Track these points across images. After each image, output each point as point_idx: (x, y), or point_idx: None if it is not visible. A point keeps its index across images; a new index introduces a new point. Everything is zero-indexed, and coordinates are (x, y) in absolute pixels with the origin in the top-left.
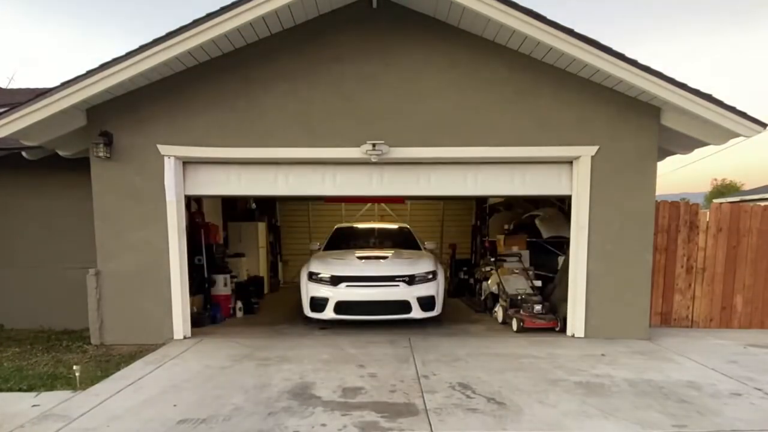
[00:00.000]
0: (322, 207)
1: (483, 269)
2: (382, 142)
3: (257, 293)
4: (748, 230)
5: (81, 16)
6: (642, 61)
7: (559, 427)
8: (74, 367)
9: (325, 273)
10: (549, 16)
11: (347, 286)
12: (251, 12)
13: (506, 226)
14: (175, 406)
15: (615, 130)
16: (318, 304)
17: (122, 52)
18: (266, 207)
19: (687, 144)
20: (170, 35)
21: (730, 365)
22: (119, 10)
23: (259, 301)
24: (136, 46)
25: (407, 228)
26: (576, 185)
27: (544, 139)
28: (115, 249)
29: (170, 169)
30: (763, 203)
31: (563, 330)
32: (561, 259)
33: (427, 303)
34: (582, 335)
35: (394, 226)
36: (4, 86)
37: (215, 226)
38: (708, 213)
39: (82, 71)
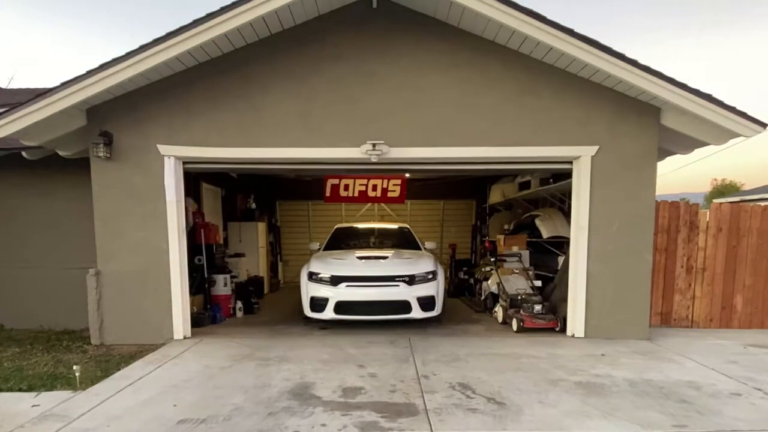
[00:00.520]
0: (322, 207)
1: (483, 269)
2: (382, 142)
3: (257, 293)
4: (748, 230)
5: (81, 16)
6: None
7: (559, 427)
8: (74, 367)
9: (325, 273)
10: (549, 17)
11: (347, 286)
12: (251, 12)
13: (506, 226)
14: (175, 406)
15: (615, 130)
16: (318, 304)
17: (122, 53)
18: (266, 207)
19: (687, 144)
20: (170, 35)
21: (730, 365)
22: (119, 10)
23: (259, 301)
24: (136, 46)
25: (407, 228)
26: (576, 185)
27: (545, 139)
28: (115, 249)
29: (170, 169)
30: (763, 203)
31: (563, 330)
32: (561, 259)
33: (427, 303)
34: (582, 335)
35: (394, 226)
36: (4, 86)
37: (215, 226)
38: (708, 213)
39: (82, 71)
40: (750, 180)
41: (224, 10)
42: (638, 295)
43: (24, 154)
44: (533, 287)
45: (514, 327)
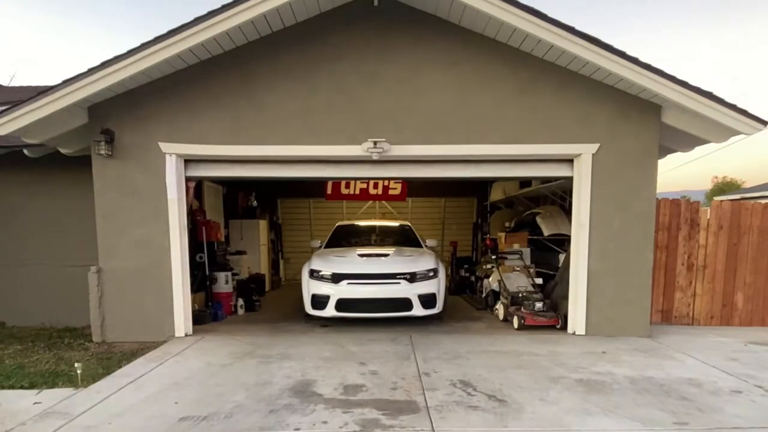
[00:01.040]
0: (324, 204)
1: (484, 267)
2: (383, 139)
3: (258, 291)
4: (749, 228)
5: (82, 16)
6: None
7: (561, 424)
8: (76, 365)
9: (327, 270)
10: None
11: (348, 283)
12: (253, 10)
13: (507, 224)
14: (176, 403)
15: (616, 128)
16: (319, 301)
17: (123, 50)
18: (267, 204)
19: (688, 142)
20: (172, 33)
21: (730, 363)
22: (120, 10)
23: (261, 299)
24: (137, 44)
25: (408, 225)
26: (577, 183)
27: (545, 137)
28: (117, 247)
29: (171, 166)
30: (763, 201)
31: (564, 327)
32: (562, 257)
33: (428, 300)
34: (583, 333)
35: (395, 223)
36: (5, 84)
37: (216, 223)
38: (709, 211)
39: (84, 69)
40: (751, 178)
41: (226, 7)
42: (639, 292)
43: (26, 151)
44: (534, 285)
45: (515, 324)
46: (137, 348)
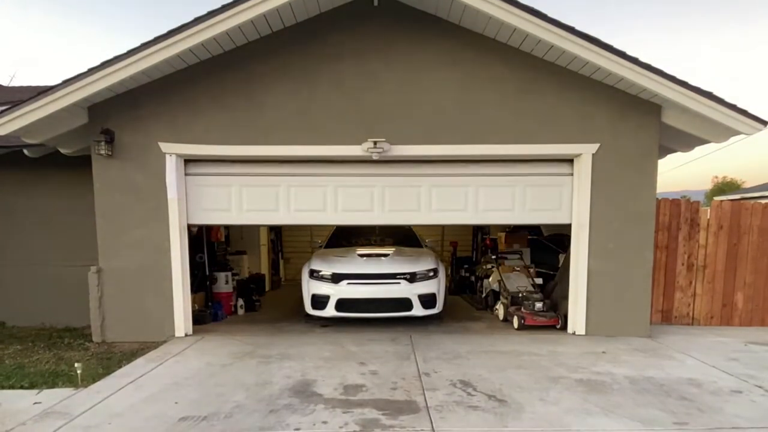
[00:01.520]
0: None
1: (484, 267)
2: (384, 139)
3: (259, 291)
4: (749, 228)
5: (82, 16)
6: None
7: (561, 424)
8: (76, 365)
9: (327, 270)
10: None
11: (348, 283)
12: (253, 10)
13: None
14: (176, 403)
15: (616, 128)
16: (319, 301)
17: (124, 50)
18: None
19: (688, 142)
20: (172, 33)
21: (730, 363)
22: (121, 9)
23: (261, 299)
24: (137, 44)
25: (408, 225)
26: (577, 183)
27: (545, 137)
28: (117, 247)
29: (172, 166)
30: (763, 201)
31: (564, 327)
32: (562, 257)
33: (428, 300)
34: (583, 333)
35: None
36: (5, 84)
37: None
38: (709, 211)
39: (84, 69)
40: (751, 178)
41: (226, 7)
42: (639, 292)
43: (26, 151)
44: (534, 285)
45: (515, 324)
46: (137, 348)
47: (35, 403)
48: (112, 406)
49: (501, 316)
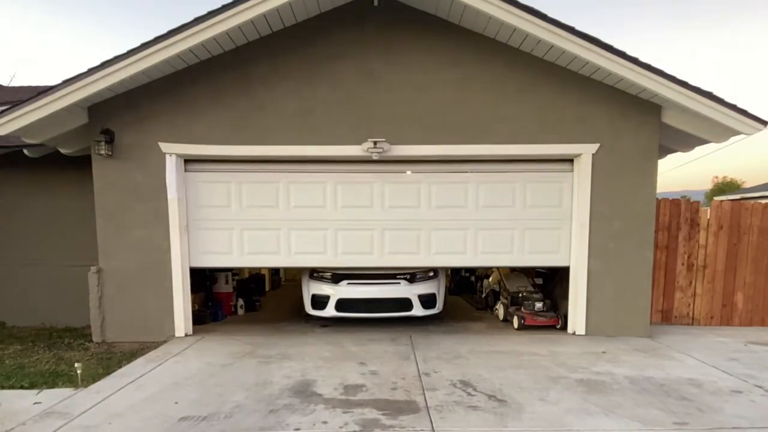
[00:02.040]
0: None
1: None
2: (383, 139)
3: (259, 291)
4: (749, 228)
5: (82, 16)
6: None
7: (561, 424)
8: (76, 365)
9: (327, 271)
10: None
11: (348, 283)
12: (253, 10)
13: None
14: (176, 403)
15: (616, 128)
16: (319, 301)
17: (124, 50)
18: None
19: (688, 142)
20: (172, 33)
21: (730, 363)
22: (120, 10)
23: (261, 299)
24: (137, 44)
25: None
26: (577, 183)
27: (545, 137)
28: (117, 247)
29: (172, 166)
30: (763, 201)
31: (564, 327)
32: None
33: (428, 300)
34: (583, 333)
35: None
36: (5, 84)
37: None
38: (709, 211)
39: (84, 69)
40: (751, 178)
41: (226, 7)
42: (639, 292)
43: (26, 151)
44: (534, 285)
45: (515, 324)
46: (137, 348)
47: (35, 403)
48: (112, 406)
49: (501, 316)
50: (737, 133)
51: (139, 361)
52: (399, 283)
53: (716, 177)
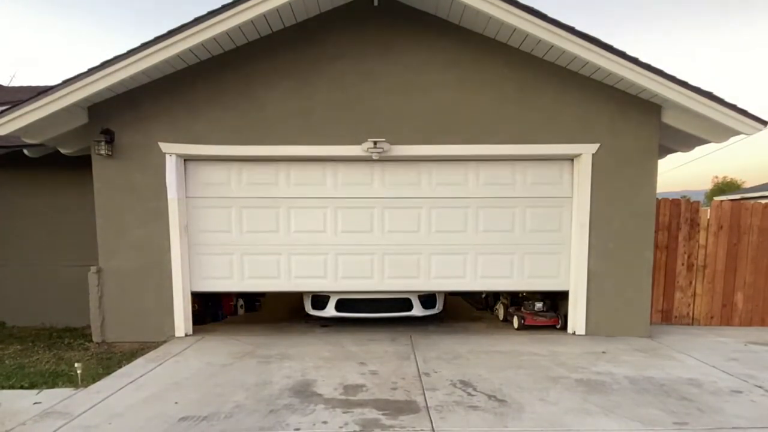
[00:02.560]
0: None
1: None
2: (383, 139)
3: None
4: (749, 228)
5: (82, 16)
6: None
7: (561, 424)
8: (76, 365)
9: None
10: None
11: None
12: (253, 10)
13: None
14: (176, 403)
15: (616, 128)
16: (319, 301)
17: (124, 50)
18: None
19: (688, 142)
20: (172, 33)
21: (730, 363)
22: (120, 10)
23: (261, 299)
24: (137, 44)
25: None
26: (577, 183)
27: (545, 137)
28: (117, 247)
29: (172, 166)
30: (763, 201)
31: (564, 328)
32: None
33: (428, 300)
34: (583, 333)
35: None
36: (5, 84)
37: None
38: (709, 211)
39: (84, 69)
40: (751, 178)
41: (226, 7)
42: (639, 292)
43: (26, 151)
44: None
45: (515, 325)
46: (137, 348)
47: (35, 403)
48: (112, 406)
49: (501, 316)
50: (737, 133)
51: (139, 361)
52: None
53: (716, 177)
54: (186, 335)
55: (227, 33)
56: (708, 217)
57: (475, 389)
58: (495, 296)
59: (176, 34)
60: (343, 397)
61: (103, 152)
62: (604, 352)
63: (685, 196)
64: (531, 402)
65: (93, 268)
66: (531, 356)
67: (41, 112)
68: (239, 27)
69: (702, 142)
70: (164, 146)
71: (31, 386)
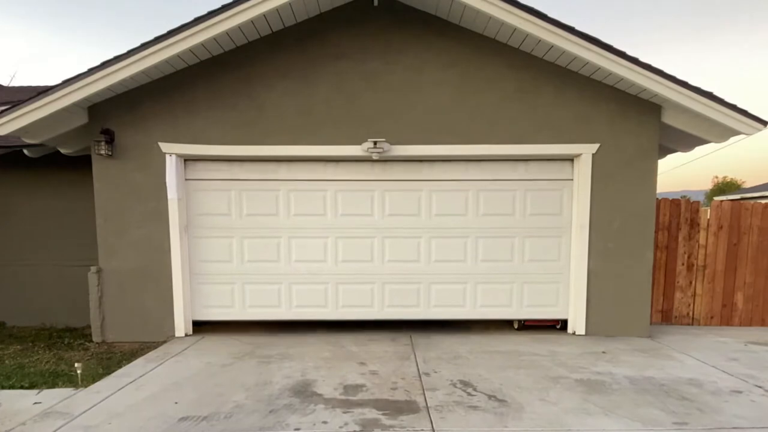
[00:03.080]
0: None
1: None
2: (383, 139)
3: None
4: (749, 228)
5: (82, 17)
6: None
7: (561, 424)
8: (76, 365)
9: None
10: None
11: None
12: (253, 10)
13: None
14: (176, 403)
15: (616, 128)
16: None
17: (123, 50)
18: None
19: (688, 142)
20: (172, 33)
21: (730, 363)
22: (120, 10)
23: None
24: (137, 44)
25: None
26: (576, 183)
27: (545, 137)
28: (117, 246)
29: (172, 166)
30: (763, 201)
31: (564, 328)
32: None
33: None
34: (583, 333)
35: None
36: (5, 84)
37: None
38: (709, 210)
39: (84, 69)
40: (751, 177)
41: (226, 7)
42: (639, 292)
43: (25, 151)
44: None
45: (515, 324)
46: (137, 348)
47: (35, 403)
48: (112, 406)
49: None
50: (737, 133)
51: (139, 361)
52: None
53: (716, 177)
54: (186, 335)
55: (227, 33)
56: (708, 217)
57: (475, 389)
58: None
59: (176, 34)
60: (343, 397)
61: (103, 152)
62: (604, 352)
63: (685, 196)
64: (531, 402)
65: (93, 268)
66: (531, 356)
67: (41, 112)
68: (239, 27)
69: (702, 142)
70: (164, 146)
71: (31, 386)
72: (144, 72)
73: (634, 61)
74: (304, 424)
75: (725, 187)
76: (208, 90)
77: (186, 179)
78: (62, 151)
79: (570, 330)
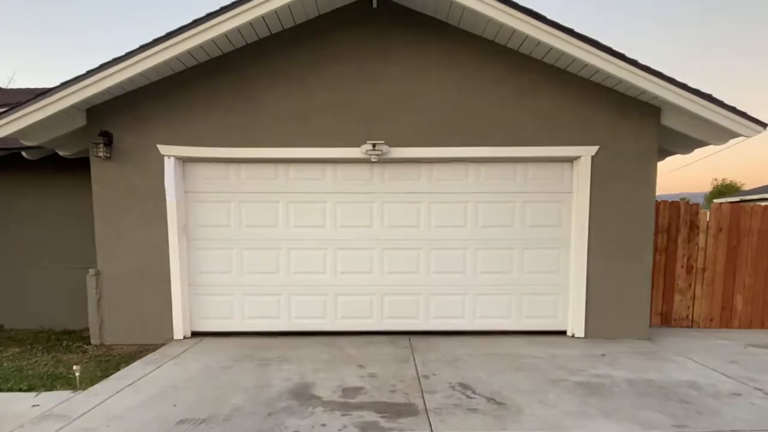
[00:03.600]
0: None
1: None
2: (382, 142)
3: None
4: (749, 230)
5: (82, 16)
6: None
7: (560, 427)
8: (74, 367)
9: None
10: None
11: None
12: (251, 12)
13: None
14: (175, 406)
15: (615, 130)
16: None
17: (122, 53)
18: None
19: (687, 144)
20: (170, 35)
21: (730, 365)
22: (120, 11)
23: None
24: (136, 46)
25: None
26: (576, 185)
27: (545, 139)
28: (115, 249)
29: (170, 168)
30: (763, 203)
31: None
32: None
33: None
34: (582, 335)
35: None
36: (4, 86)
37: None
38: (708, 213)
39: (83, 71)
40: (750, 180)
41: (224, 9)
42: (638, 295)
43: (24, 154)
44: None
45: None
46: (136, 350)
47: (34, 405)
48: (110, 408)
49: None
50: (737, 135)
51: (137, 364)
52: None
53: (716, 179)
54: (184, 338)
55: (225, 35)
56: (707, 219)
57: (474, 392)
58: None
59: (174, 36)
60: (341, 399)
61: (101, 154)
62: (603, 355)
63: (684, 199)
64: (530, 405)
65: (91, 271)
66: (530, 359)
67: (39, 114)
68: (237, 29)
69: (701, 144)
70: (162, 148)
71: (30, 389)
72: (142, 74)
73: (634, 63)
74: (303, 426)
75: (725, 189)
76: (207, 92)
77: (185, 191)
78: (61, 153)
79: (569, 333)
